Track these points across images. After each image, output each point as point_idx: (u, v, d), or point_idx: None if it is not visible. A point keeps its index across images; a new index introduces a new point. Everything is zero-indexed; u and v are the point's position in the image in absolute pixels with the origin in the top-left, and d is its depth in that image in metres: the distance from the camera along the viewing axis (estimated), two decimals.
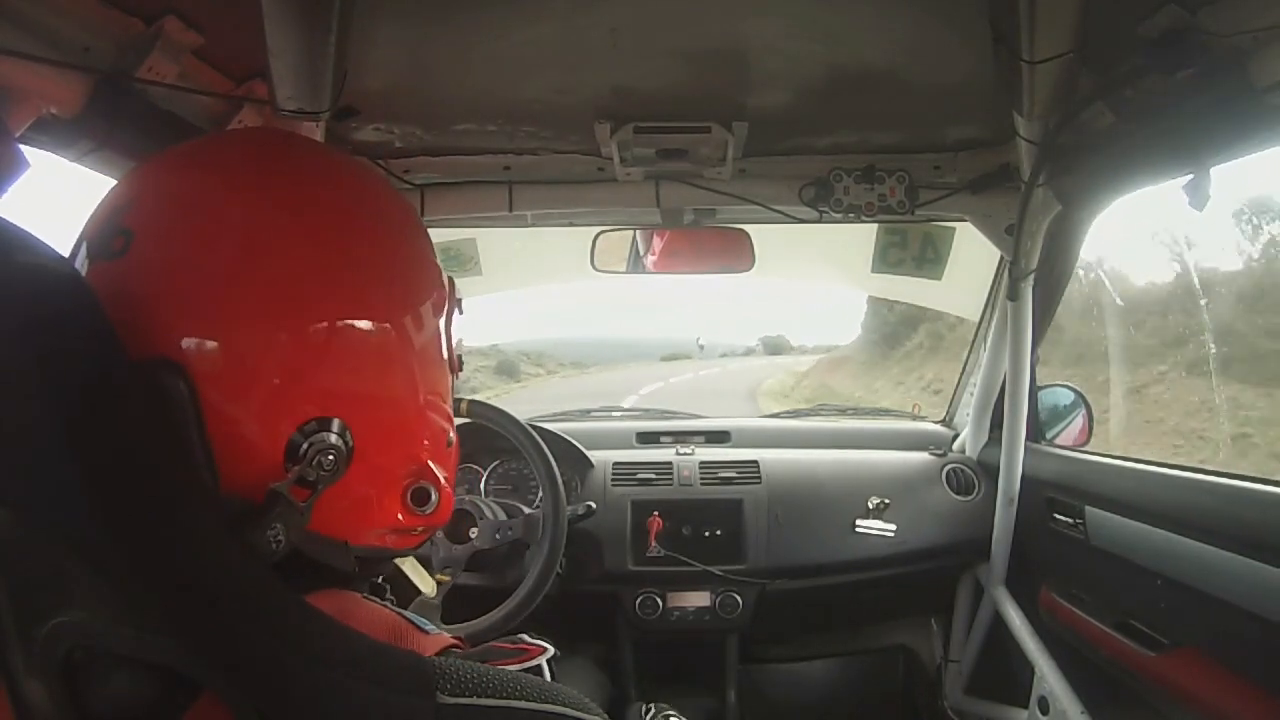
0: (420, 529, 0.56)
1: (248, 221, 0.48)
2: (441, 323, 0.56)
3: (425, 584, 1.10)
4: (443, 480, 0.55)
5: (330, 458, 0.47)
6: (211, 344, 0.45)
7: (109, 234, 0.48)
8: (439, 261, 0.58)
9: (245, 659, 0.38)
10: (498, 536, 1.30)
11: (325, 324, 0.48)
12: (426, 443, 0.55)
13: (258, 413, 0.46)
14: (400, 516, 0.53)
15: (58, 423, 0.37)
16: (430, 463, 0.54)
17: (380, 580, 0.59)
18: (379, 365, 0.50)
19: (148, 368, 0.43)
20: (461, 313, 0.60)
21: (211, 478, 0.44)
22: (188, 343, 0.45)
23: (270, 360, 0.46)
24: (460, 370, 0.60)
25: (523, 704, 0.43)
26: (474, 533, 1.30)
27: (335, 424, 0.47)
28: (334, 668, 0.40)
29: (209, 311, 0.46)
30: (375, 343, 0.50)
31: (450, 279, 0.59)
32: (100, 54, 0.82)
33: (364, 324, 0.49)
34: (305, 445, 0.46)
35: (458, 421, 1.52)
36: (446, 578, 1.25)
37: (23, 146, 0.75)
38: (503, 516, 1.35)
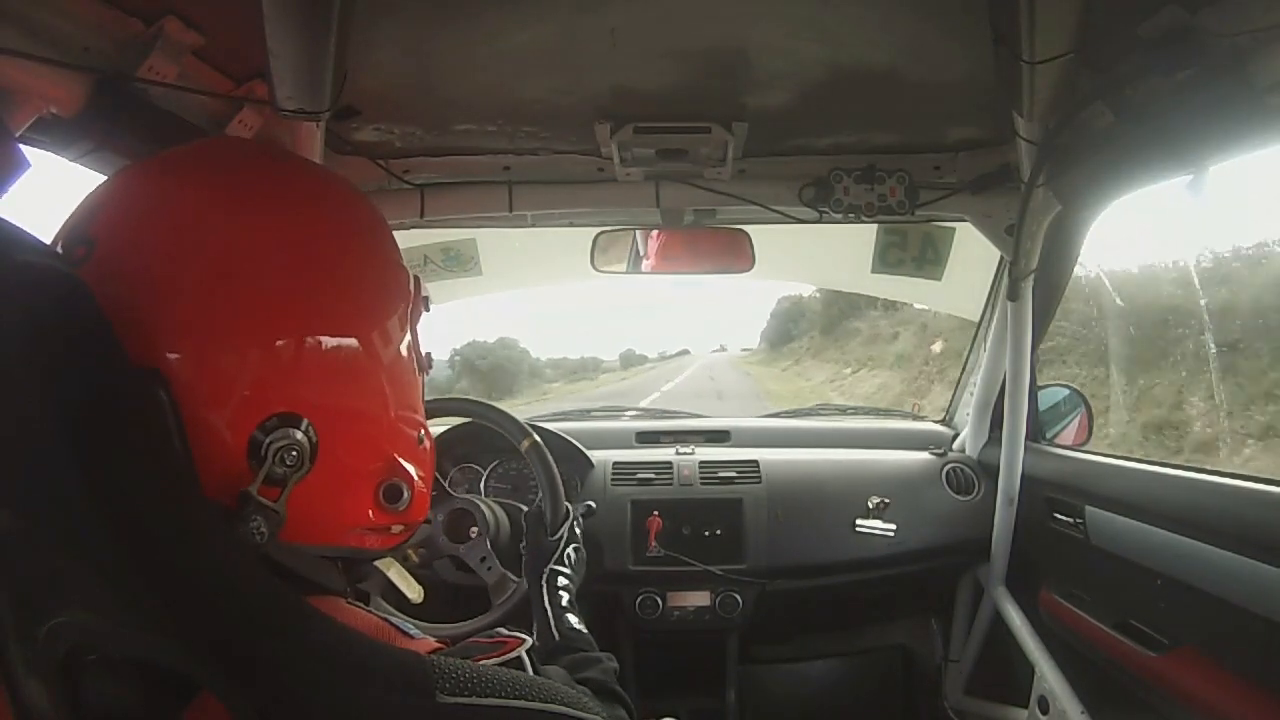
0: (397, 528, 0.56)
1: (213, 236, 0.48)
2: (409, 320, 0.57)
3: (411, 589, 1.09)
4: (415, 477, 0.55)
5: (294, 453, 0.47)
6: (178, 355, 0.45)
7: (72, 242, 0.48)
8: (440, 262, 0.58)
9: (244, 658, 0.38)
10: (480, 562, 1.28)
11: (293, 339, 0.48)
12: (399, 436, 0.55)
13: (228, 418, 0.46)
14: (372, 514, 0.53)
15: (58, 423, 0.37)
16: (401, 459, 0.54)
17: (362, 586, 0.59)
18: (347, 377, 0.51)
19: (134, 374, 0.43)
20: (428, 310, 0.60)
21: (195, 482, 0.45)
22: (155, 352, 0.45)
23: (239, 369, 0.47)
24: (429, 369, 0.60)
25: (521, 703, 0.43)
26: (474, 532, 1.29)
27: (298, 421, 0.48)
28: (333, 667, 0.40)
29: (173, 323, 0.46)
30: (343, 357, 0.50)
31: (417, 278, 0.59)
32: (100, 54, 0.82)
33: (332, 340, 0.50)
34: (266, 442, 0.46)
35: (457, 421, 1.52)
36: (415, 557, 1.23)
37: (23, 146, 0.75)
38: (505, 527, 1.33)
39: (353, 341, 0.51)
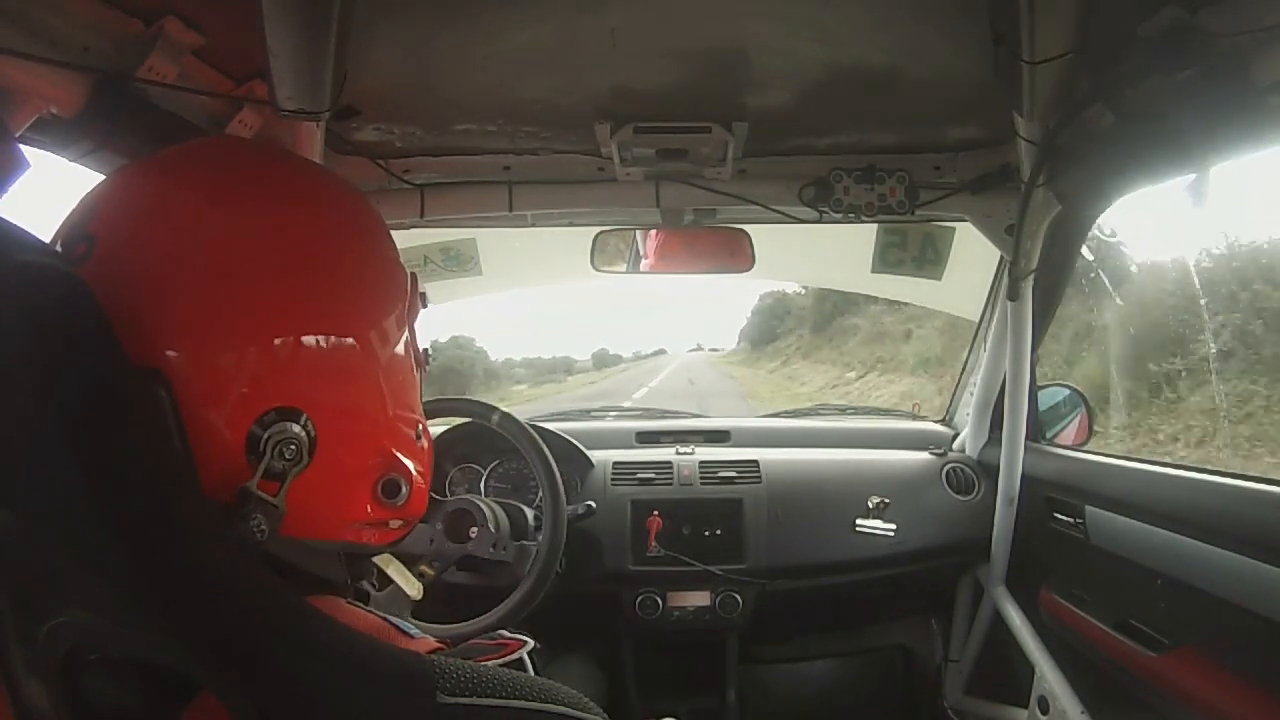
0: (395, 523, 0.56)
1: (213, 235, 0.48)
2: (406, 315, 0.57)
3: (410, 586, 1.10)
4: (413, 472, 0.55)
5: (292, 447, 0.47)
6: (178, 353, 0.45)
7: (73, 239, 0.48)
8: (440, 262, 0.58)
9: (245, 657, 0.38)
10: (492, 549, 1.30)
11: (292, 338, 0.48)
12: (397, 432, 0.55)
13: (226, 415, 0.46)
14: (370, 509, 0.53)
15: (57, 422, 0.37)
16: (399, 454, 0.54)
17: (362, 584, 0.59)
18: (345, 374, 0.51)
19: (134, 373, 0.43)
20: (425, 306, 0.60)
21: (195, 480, 0.45)
22: (155, 350, 0.45)
23: (238, 366, 0.47)
24: (426, 365, 0.61)
25: (522, 703, 0.43)
26: (474, 532, 1.30)
27: (296, 414, 0.48)
28: (333, 667, 0.40)
29: (174, 320, 0.46)
30: (341, 354, 0.51)
31: (413, 275, 0.59)
32: (100, 54, 0.82)
33: (330, 338, 0.50)
34: (264, 437, 0.47)
35: (458, 421, 1.53)
36: (431, 571, 1.25)
37: (23, 146, 0.75)
38: (504, 522, 1.34)
39: (351, 339, 0.51)
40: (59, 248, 0.48)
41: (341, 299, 0.51)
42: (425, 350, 0.60)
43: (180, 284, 0.46)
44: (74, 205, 0.51)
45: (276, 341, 0.48)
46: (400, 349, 0.56)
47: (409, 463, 0.55)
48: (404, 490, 0.54)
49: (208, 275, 0.47)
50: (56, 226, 0.50)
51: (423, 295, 0.60)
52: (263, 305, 0.48)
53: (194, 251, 0.47)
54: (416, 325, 0.59)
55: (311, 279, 0.50)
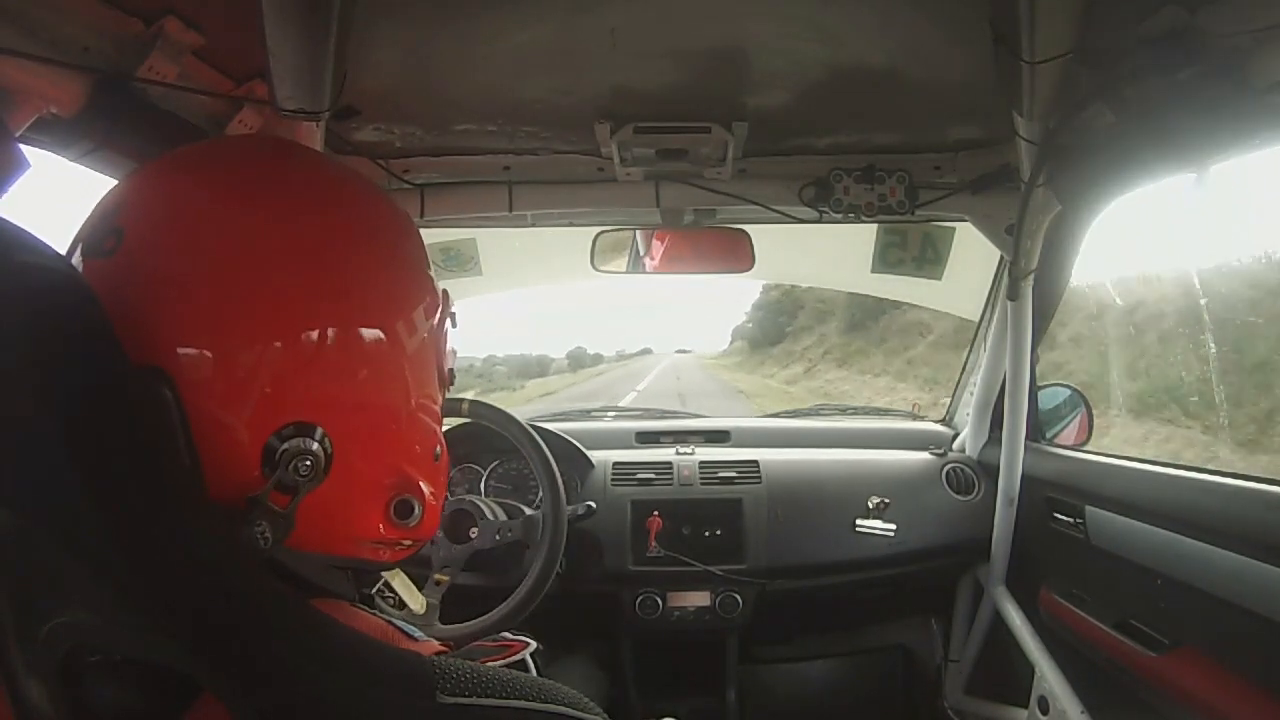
0: (405, 542, 0.55)
1: (240, 229, 0.48)
2: (433, 331, 0.56)
3: (414, 600, 1.09)
4: (427, 494, 0.54)
5: (307, 463, 0.46)
6: (200, 351, 0.45)
7: (101, 233, 0.48)
8: (440, 262, 0.57)
9: (245, 658, 0.38)
10: (498, 537, 1.30)
11: (316, 331, 0.48)
12: (414, 451, 0.54)
13: (245, 420, 0.46)
14: (381, 529, 0.52)
15: (57, 422, 0.37)
16: (414, 475, 0.53)
17: (366, 590, 0.58)
18: (369, 371, 0.50)
19: (136, 373, 0.42)
20: (455, 326, 0.59)
21: (200, 482, 0.44)
22: (175, 348, 0.45)
23: (259, 368, 0.46)
24: (451, 384, 0.59)
25: (522, 704, 0.43)
26: (474, 533, 1.30)
27: (314, 430, 0.47)
28: (333, 667, 0.40)
29: (198, 317, 0.45)
30: (366, 348, 0.50)
31: (445, 292, 0.58)
32: (100, 54, 0.82)
33: (355, 330, 0.49)
34: (281, 450, 0.46)
35: (458, 421, 1.52)
36: (445, 578, 1.25)
37: (23, 146, 0.75)
38: (503, 517, 1.35)
39: (378, 333, 0.50)
40: (86, 241, 0.48)
41: (361, 298, 0.50)
42: (450, 370, 0.59)
43: (200, 280, 0.46)
44: (103, 198, 0.50)
45: (299, 343, 0.47)
46: (424, 357, 0.54)
47: (424, 484, 0.54)
48: (417, 511, 0.53)
49: (226, 272, 0.46)
50: (84, 219, 0.50)
51: (452, 315, 0.59)
52: (281, 303, 0.47)
53: (213, 248, 0.47)
54: (445, 341, 0.58)
55: (332, 277, 0.49)
